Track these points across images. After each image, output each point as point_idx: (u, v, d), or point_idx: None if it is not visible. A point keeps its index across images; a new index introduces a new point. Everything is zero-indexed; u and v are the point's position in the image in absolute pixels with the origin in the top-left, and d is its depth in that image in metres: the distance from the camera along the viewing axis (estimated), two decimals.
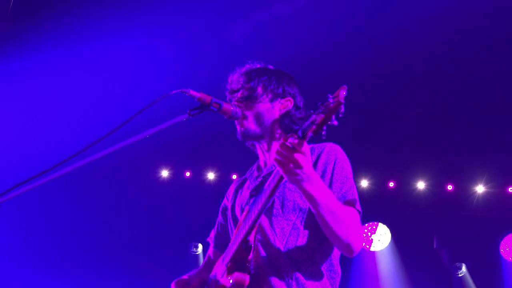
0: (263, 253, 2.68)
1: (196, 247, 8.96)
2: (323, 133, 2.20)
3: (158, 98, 2.58)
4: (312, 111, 2.20)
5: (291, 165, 2.28)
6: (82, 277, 8.35)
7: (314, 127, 2.18)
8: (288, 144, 2.27)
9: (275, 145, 2.92)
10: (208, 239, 3.27)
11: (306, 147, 2.28)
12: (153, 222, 8.76)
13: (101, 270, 8.47)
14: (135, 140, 2.51)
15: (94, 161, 2.41)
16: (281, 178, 2.38)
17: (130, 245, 8.67)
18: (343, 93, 2.13)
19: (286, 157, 2.28)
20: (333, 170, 2.70)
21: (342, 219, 2.47)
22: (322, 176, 2.69)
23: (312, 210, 2.47)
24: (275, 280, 2.62)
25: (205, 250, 8.86)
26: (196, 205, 8.63)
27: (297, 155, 2.26)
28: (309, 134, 2.21)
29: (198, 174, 8.96)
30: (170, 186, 8.92)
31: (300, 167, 2.28)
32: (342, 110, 2.14)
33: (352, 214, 2.59)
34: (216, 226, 3.22)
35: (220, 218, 3.19)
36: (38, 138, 7.77)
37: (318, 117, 2.16)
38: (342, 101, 2.11)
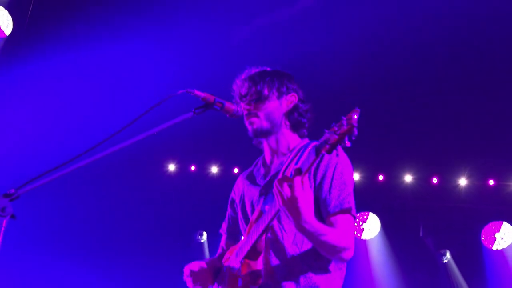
0: (272, 250, 2.69)
1: (201, 235, 8.97)
2: (337, 152, 2.21)
3: (166, 97, 2.58)
4: (326, 130, 2.19)
5: (287, 200, 2.30)
6: (95, 263, 8.35)
7: (327, 146, 2.18)
8: (285, 182, 2.31)
9: (282, 140, 2.93)
10: (220, 231, 3.27)
11: (299, 183, 2.29)
12: (161, 212, 8.77)
13: (113, 256, 8.48)
14: (145, 136, 2.52)
15: (107, 155, 2.42)
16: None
17: (140, 233, 8.68)
18: (356, 117, 2.12)
19: (281, 192, 2.31)
20: (333, 175, 2.69)
21: (332, 245, 2.49)
22: (322, 180, 2.69)
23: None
24: (284, 276, 2.62)
25: (209, 238, 8.93)
26: (200, 196, 8.64)
27: (290, 192, 2.29)
28: (323, 152, 2.21)
29: (203, 168, 8.97)
30: (176, 179, 8.93)
31: (294, 205, 2.30)
32: (356, 133, 2.13)
33: (346, 226, 2.60)
34: (227, 219, 3.22)
35: (230, 211, 3.19)
36: (47, 136, 7.76)
37: (332, 137, 2.16)
38: (355, 124, 2.11)
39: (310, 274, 2.62)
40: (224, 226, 3.24)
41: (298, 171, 2.31)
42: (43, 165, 2.43)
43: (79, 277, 8.20)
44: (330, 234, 2.47)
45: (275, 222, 2.71)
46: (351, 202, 2.66)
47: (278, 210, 2.45)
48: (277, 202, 2.35)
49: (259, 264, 2.63)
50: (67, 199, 8.41)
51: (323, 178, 2.69)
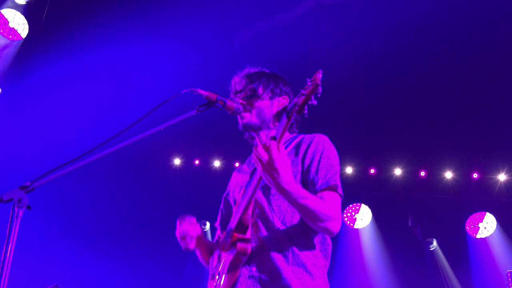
0: (262, 227, 2.67)
1: (205, 224, 9.00)
2: (305, 112, 2.24)
3: (171, 96, 2.57)
4: (293, 95, 2.22)
5: (265, 164, 2.32)
6: (103, 251, 8.35)
7: (296, 107, 2.22)
8: (261, 146, 2.33)
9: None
10: (215, 225, 3.26)
11: (275, 147, 2.30)
12: (168, 203, 8.79)
13: (120, 244, 8.50)
14: (152, 132, 2.51)
15: (117, 150, 2.41)
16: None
17: (148, 222, 8.70)
18: (319, 76, 2.17)
19: (260, 157, 2.32)
20: (320, 158, 2.69)
21: (315, 211, 2.46)
22: (310, 163, 2.68)
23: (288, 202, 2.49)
24: (274, 252, 2.61)
25: (212, 228, 8.93)
26: (204, 188, 8.65)
27: (268, 155, 2.31)
28: (293, 114, 2.24)
29: (206, 162, 8.98)
30: (181, 172, 8.94)
31: (272, 166, 2.31)
32: (320, 90, 2.17)
33: (332, 200, 2.58)
34: (220, 213, 3.20)
35: (222, 205, 3.18)
36: (60, 134, 7.76)
37: (299, 99, 2.21)
38: (319, 82, 2.16)
39: (298, 252, 2.61)
40: (218, 219, 3.22)
41: (273, 138, 2.35)
42: (57, 160, 2.42)
43: (86, 265, 8.19)
44: (311, 199, 2.46)
45: (265, 203, 2.70)
46: (337, 181, 2.65)
47: (260, 179, 2.46)
48: (258, 169, 2.37)
49: (247, 236, 2.63)
50: (79, 192, 8.42)
51: (311, 162, 2.69)
